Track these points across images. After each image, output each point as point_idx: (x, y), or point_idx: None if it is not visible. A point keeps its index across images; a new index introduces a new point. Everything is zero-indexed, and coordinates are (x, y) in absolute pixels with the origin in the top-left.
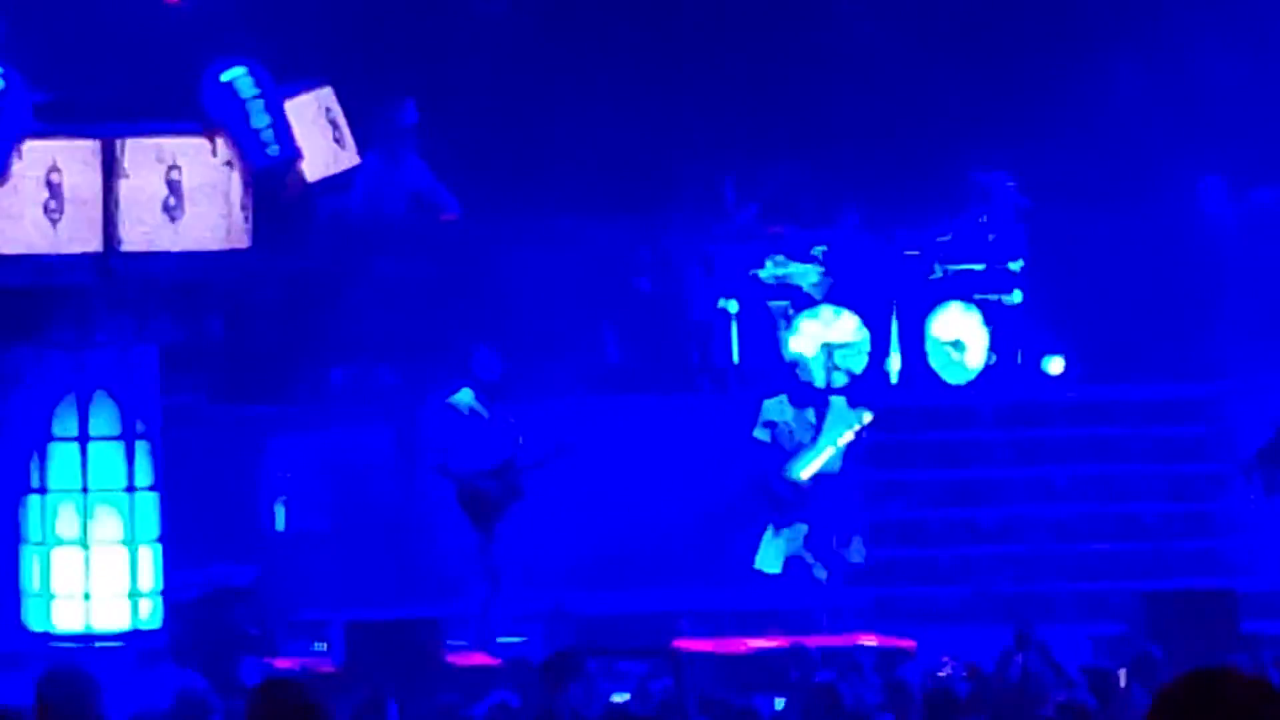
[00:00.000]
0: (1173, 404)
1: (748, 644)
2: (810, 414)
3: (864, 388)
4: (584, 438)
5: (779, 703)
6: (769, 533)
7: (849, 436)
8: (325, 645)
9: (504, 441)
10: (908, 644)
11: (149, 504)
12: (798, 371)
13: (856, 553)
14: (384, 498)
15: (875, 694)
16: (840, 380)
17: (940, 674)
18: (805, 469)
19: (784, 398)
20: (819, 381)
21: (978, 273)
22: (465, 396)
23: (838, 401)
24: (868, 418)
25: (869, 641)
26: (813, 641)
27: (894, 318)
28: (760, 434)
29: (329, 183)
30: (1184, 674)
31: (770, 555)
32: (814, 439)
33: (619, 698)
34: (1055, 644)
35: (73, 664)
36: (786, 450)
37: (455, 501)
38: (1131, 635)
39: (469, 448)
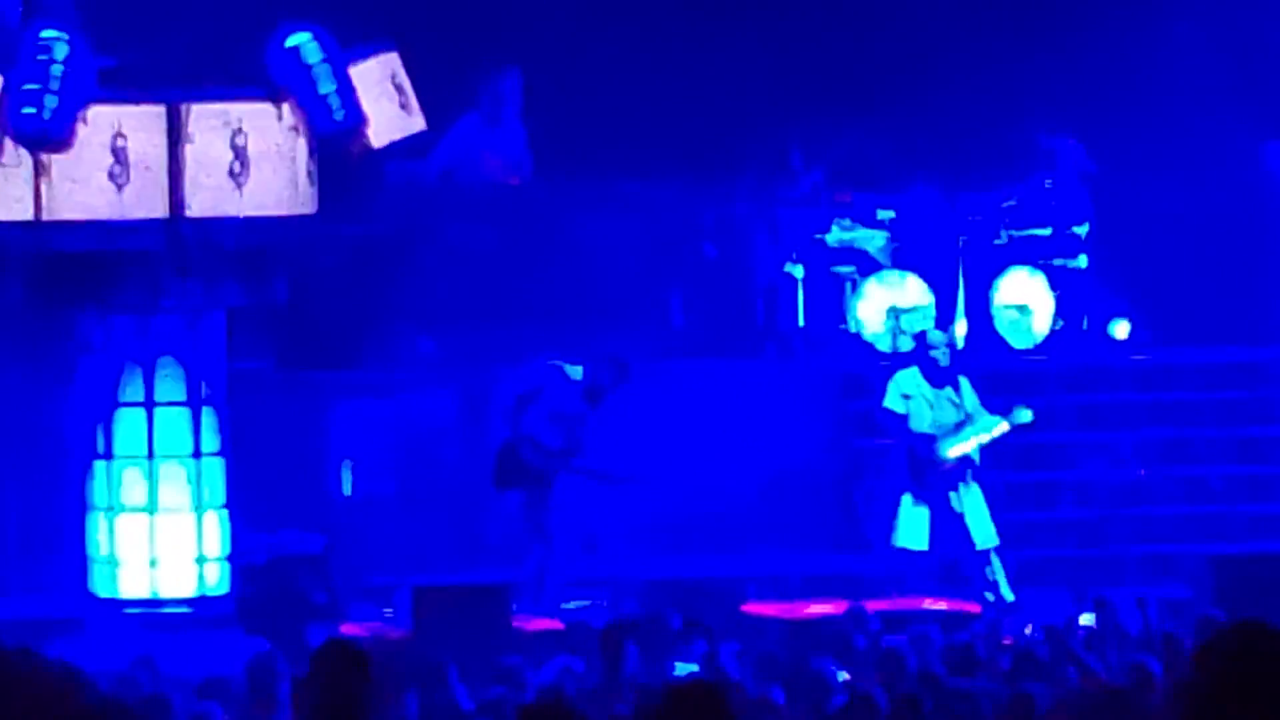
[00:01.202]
0: (1239, 367)
1: (810, 608)
2: (951, 393)
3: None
4: (652, 407)
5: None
6: (907, 502)
7: (1004, 428)
8: (391, 611)
9: (577, 435)
10: (973, 608)
11: (215, 470)
12: (863, 340)
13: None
14: (450, 463)
15: (939, 658)
16: (906, 345)
17: (1017, 638)
18: (954, 448)
19: (916, 370)
20: (884, 347)
21: (1044, 237)
22: (576, 372)
23: (966, 385)
24: (1026, 416)
25: (936, 605)
26: (879, 605)
27: (960, 282)
28: (894, 404)
29: (395, 148)
30: (1226, 627)
31: (912, 529)
32: (964, 420)
33: (685, 668)
34: (1121, 608)
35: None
36: (925, 423)
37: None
38: (1197, 599)
39: (546, 416)
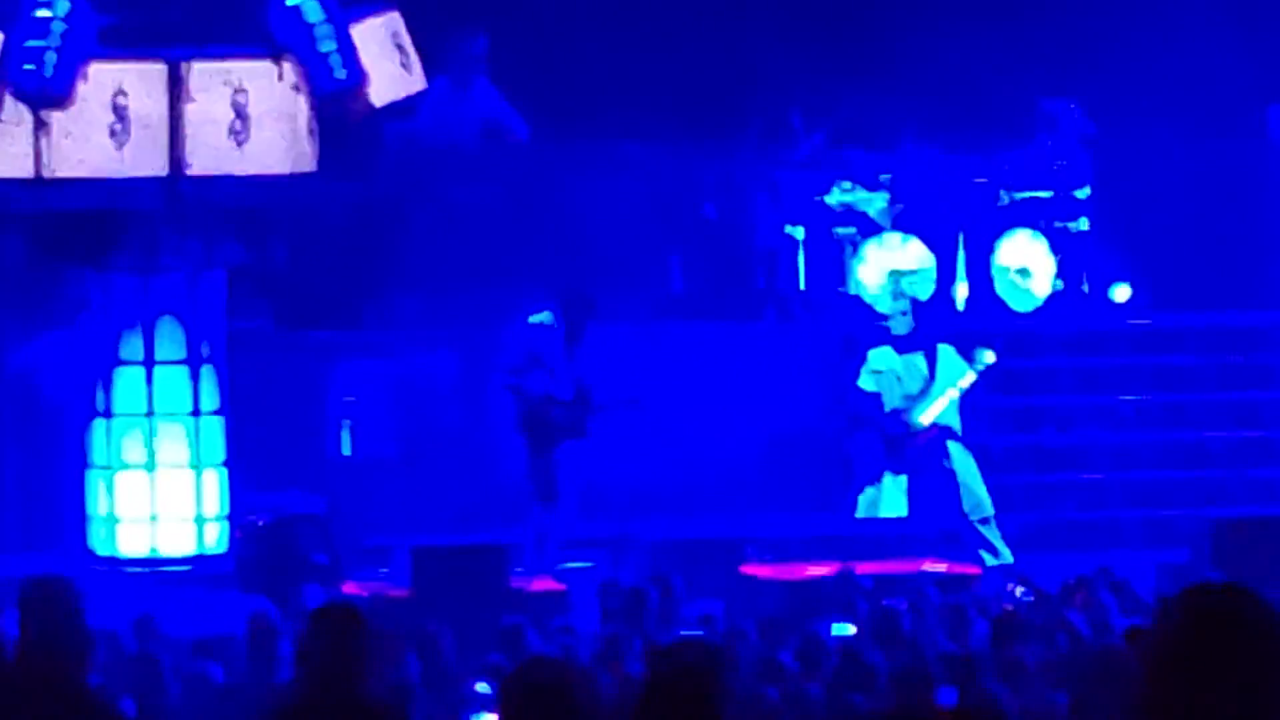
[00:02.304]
0: (1239, 331)
1: (809, 570)
2: (920, 360)
3: (931, 314)
4: (650, 368)
5: (839, 628)
6: (888, 479)
7: (970, 379)
8: (386, 570)
9: (580, 375)
10: (973, 570)
11: (214, 429)
12: (864, 302)
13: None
14: (451, 424)
15: (938, 619)
16: (905, 306)
17: (1009, 601)
18: (924, 414)
19: (889, 348)
20: (884, 309)
21: (1045, 200)
22: (546, 319)
23: (946, 351)
24: (990, 357)
25: (935, 567)
26: (878, 568)
27: (961, 245)
28: (866, 382)
29: (396, 108)
30: (1187, 588)
31: (894, 501)
32: (928, 385)
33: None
34: (1121, 571)
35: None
36: (897, 397)
37: (516, 423)
38: (1197, 563)
39: (545, 372)
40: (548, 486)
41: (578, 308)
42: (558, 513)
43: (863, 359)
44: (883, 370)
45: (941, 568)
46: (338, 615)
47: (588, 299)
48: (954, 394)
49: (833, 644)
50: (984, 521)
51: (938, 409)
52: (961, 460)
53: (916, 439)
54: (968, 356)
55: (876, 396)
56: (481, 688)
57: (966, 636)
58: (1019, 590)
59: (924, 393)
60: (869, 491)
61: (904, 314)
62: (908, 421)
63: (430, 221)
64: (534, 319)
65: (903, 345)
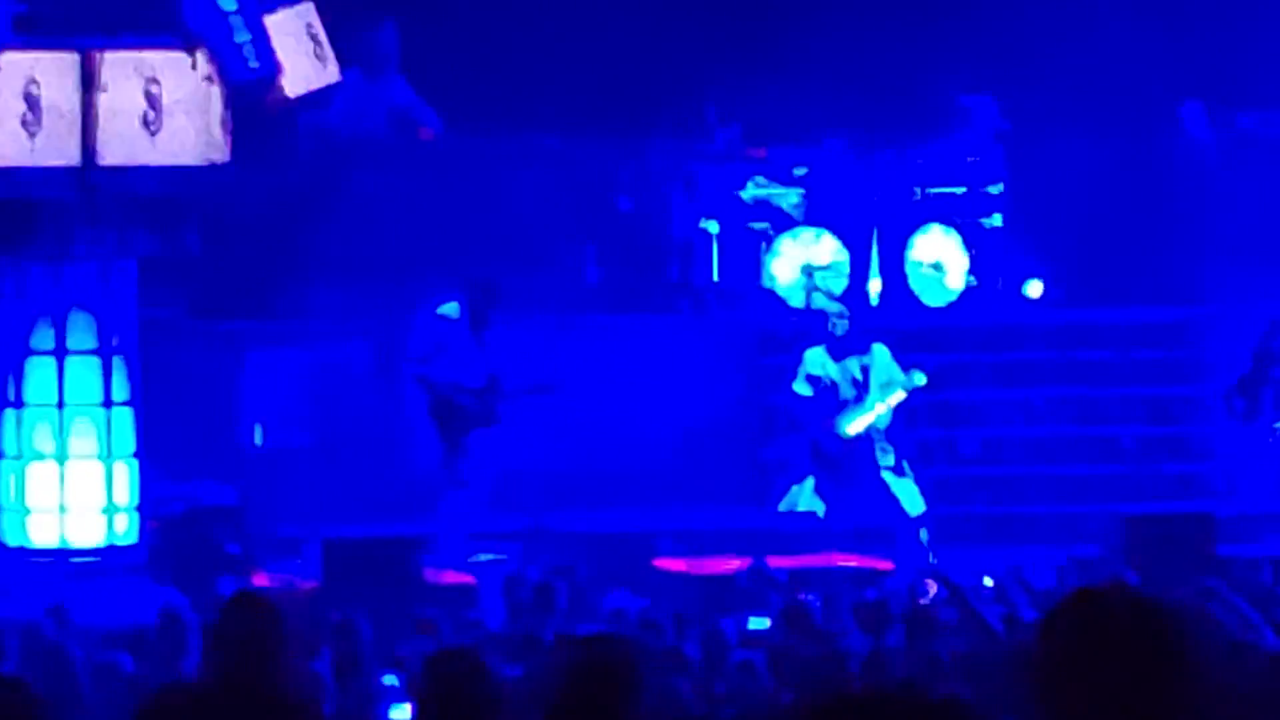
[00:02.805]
0: (1152, 327)
1: (722, 564)
2: (854, 365)
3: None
4: (564, 360)
5: (756, 622)
6: (809, 484)
7: (900, 396)
8: (297, 562)
9: (490, 363)
10: (885, 565)
11: (125, 419)
12: (778, 296)
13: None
14: (364, 414)
15: (849, 614)
16: (820, 302)
17: (923, 597)
18: (852, 424)
19: (822, 349)
20: (797, 303)
21: (958, 196)
22: (452, 309)
23: (881, 352)
24: (920, 379)
25: (847, 562)
26: (790, 562)
27: (874, 240)
28: (801, 388)
29: (309, 99)
30: (1070, 593)
31: (812, 504)
32: (861, 394)
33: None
34: (1033, 566)
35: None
36: (829, 405)
37: (428, 413)
38: (1108, 558)
39: (452, 361)
40: (458, 475)
41: (482, 295)
42: (468, 503)
43: (779, 353)
44: (820, 376)
45: (853, 563)
46: (249, 606)
47: (491, 286)
48: (883, 409)
49: (739, 638)
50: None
51: (867, 421)
52: (898, 483)
53: (846, 446)
54: (892, 347)
55: (811, 402)
56: (390, 680)
57: (881, 631)
58: (933, 586)
59: (857, 400)
60: (793, 490)
61: (842, 316)
62: (837, 430)
63: (343, 212)
64: (440, 310)
65: (837, 349)
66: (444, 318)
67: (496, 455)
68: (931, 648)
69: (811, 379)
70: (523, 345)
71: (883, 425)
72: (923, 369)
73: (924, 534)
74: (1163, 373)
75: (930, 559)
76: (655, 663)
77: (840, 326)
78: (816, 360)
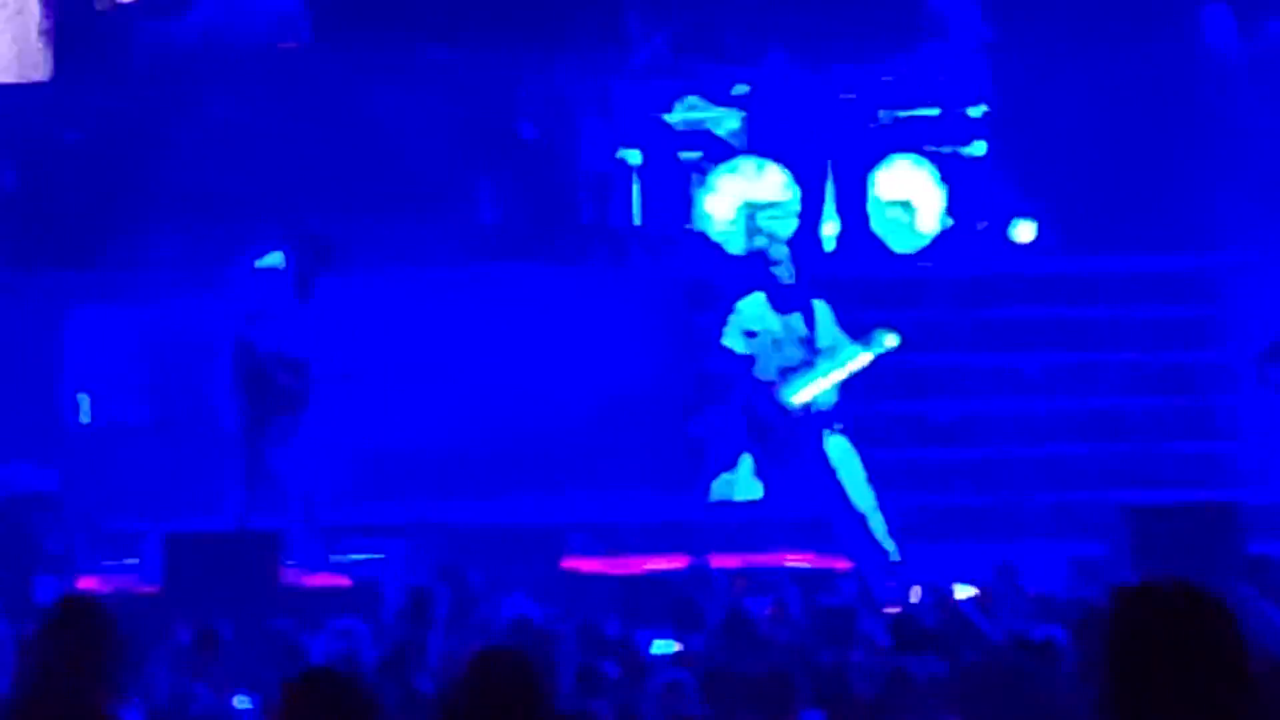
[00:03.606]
0: (1167, 279)
1: (646, 564)
2: (798, 321)
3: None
4: (455, 320)
5: (660, 645)
6: (747, 464)
7: (864, 361)
8: (132, 561)
9: (312, 337)
10: (844, 564)
11: None
12: (712, 241)
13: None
14: (213, 385)
15: (802, 622)
16: (762, 245)
17: (895, 602)
18: (799, 393)
19: (762, 297)
20: (736, 249)
21: (931, 119)
22: (276, 260)
23: (822, 311)
24: (892, 341)
25: (799, 562)
26: (729, 561)
27: (830, 173)
28: (734, 343)
29: (152, 5)
30: (1135, 587)
31: (751, 487)
32: (810, 356)
33: None
34: (1026, 567)
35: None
36: (771, 366)
37: (236, 381)
38: (1114, 557)
39: (273, 325)
40: (261, 464)
41: (311, 253)
42: (305, 492)
43: (713, 309)
44: (757, 331)
45: (805, 562)
46: (74, 614)
47: (322, 243)
48: (840, 375)
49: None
50: (863, 515)
51: (816, 390)
52: (837, 445)
53: (788, 418)
54: (846, 318)
55: (746, 361)
56: (241, 702)
57: (845, 644)
58: (915, 591)
59: (804, 365)
60: (724, 477)
61: (786, 260)
62: (778, 399)
63: (190, 140)
64: (262, 262)
65: (781, 300)
66: (269, 270)
67: (375, 434)
68: (902, 664)
69: (749, 334)
70: (398, 301)
71: (829, 398)
72: (889, 325)
73: (879, 526)
74: (1179, 332)
75: (893, 557)
76: (563, 684)
77: (785, 273)
78: (754, 311)
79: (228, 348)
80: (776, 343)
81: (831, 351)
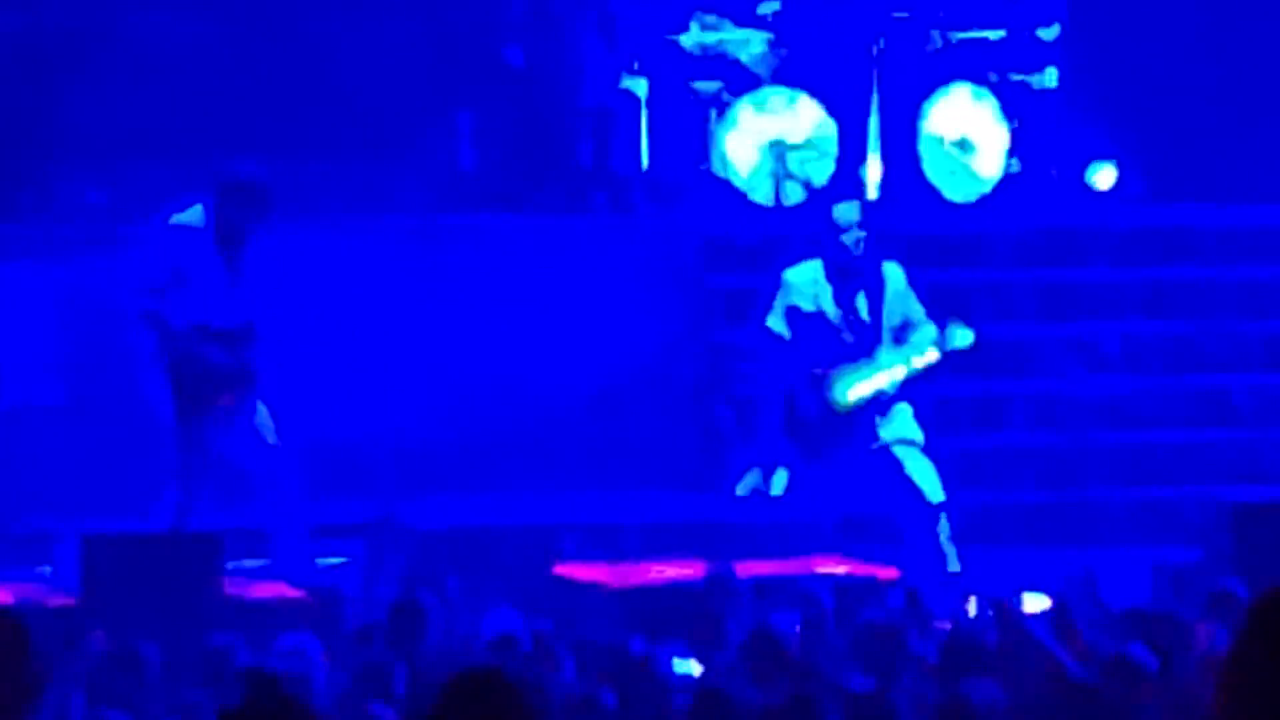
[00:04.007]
0: (1269, 233)
1: (654, 572)
2: (861, 300)
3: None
4: (428, 280)
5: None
6: (782, 475)
7: (930, 358)
8: (45, 569)
9: (247, 297)
10: (888, 572)
11: None
12: (733, 188)
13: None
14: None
15: (839, 639)
16: (795, 196)
17: (948, 618)
18: (854, 388)
19: (818, 267)
20: (761, 197)
21: (995, 43)
22: (195, 216)
23: (894, 276)
24: (966, 338)
25: (833, 569)
26: (749, 569)
27: (874, 107)
28: (777, 324)
29: None
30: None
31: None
32: (864, 341)
33: None
34: (1107, 576)
35: None
36: (818, 352)
37: (161, 369)
38: (1211, 563)
39: (196, 292)
40: (200, 460)
41: (237, 198)
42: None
43: (734, 270)
44: (808, 311)
45: (841, 569)
46: None
47: (251, 185)
48: (900, 374)
49: (681, 681)
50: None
51: (872, 387)
52: (911, 458)
53: (836, 417)
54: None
55: (789, 347)
56: None
57: (889, 665)
58: (972, 603)
59: (860, 350)
60: (755, 474)
61: (855, 222)
62: (829, 396)
63: (115, 68)
64: (178, 218)
65: (839, 271)
66: (182, 230)
67: (332, 420)
68: (961, 691)
69: (793, 313)
70: (366, 255)
71: (891, 391)
72: (942, 292)
73: (945, 529)
74: None
75: (952, 565)
76: (555, 712)
77: (854, 238)
78: (806, 285)
79: (136, 330)
80: (829, 325)
81: (890, 338)
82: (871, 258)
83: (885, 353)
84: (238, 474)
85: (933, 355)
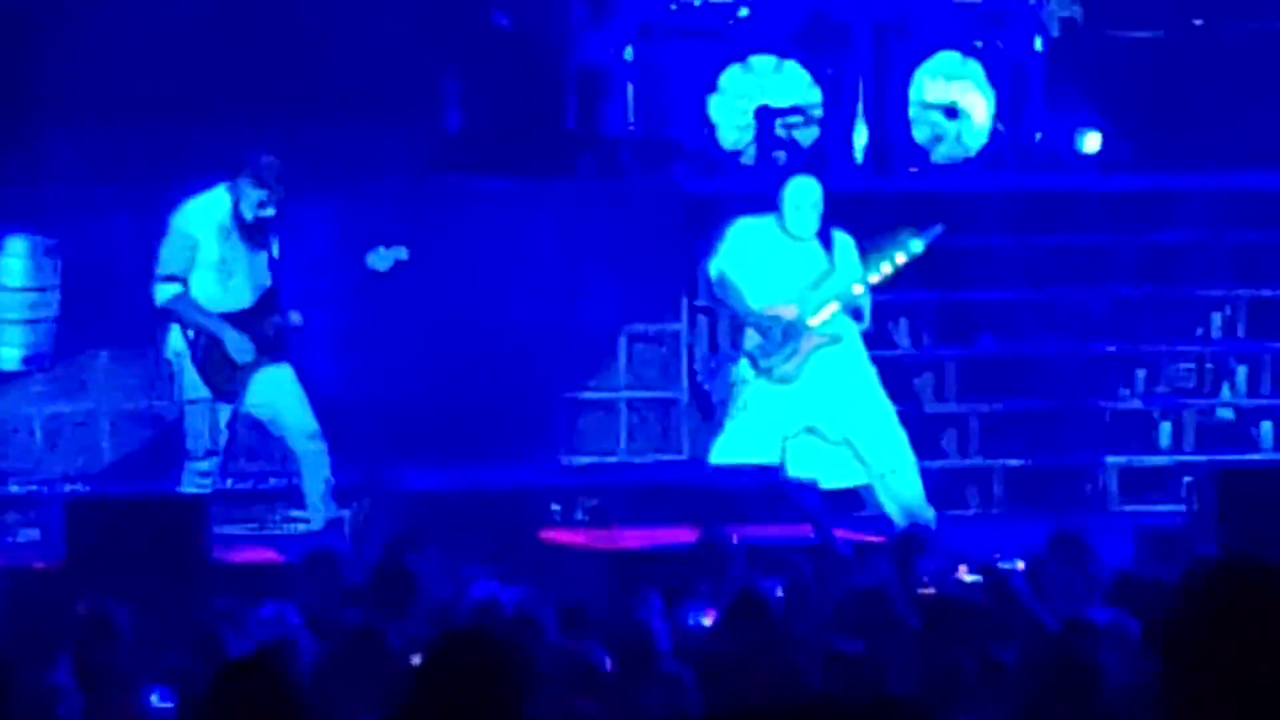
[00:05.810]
0: (1267, 198)
1: (638, 536)
2: (803, 265)
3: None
4: (414, 244)
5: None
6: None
7: (887, 270)
8: (28, 533)
9: (265, 271)
10: (877, 538)
11: None
12: (722, 150)
13: None
14: (131, 319)
15: (828, 606)
16: (781, 159)
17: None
18: (819, 312)
19: (771, 221)
20: (749, 160)
21: (979, 6)
22: (218, 198)
23: (844, 245)
24: (918, 247)
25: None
26: (745, 531)
27: (860, 72)
28: (728, 266)
29: None
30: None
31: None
32: (826, 273)
33: None
34: (1085, 540)
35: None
36: (761, 310)
37: (195, 365)
38: (1195, 529)
39: (220, 277)
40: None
41: (258, 169)
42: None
43: (721, 230)
44: (757, 258)
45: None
46: None
47: (266, 160)
48: (858, 290)
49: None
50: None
51: (831, 309)
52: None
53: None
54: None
55: (734, 295)
56: (157, 701)
57: (873, 629)
58: (963, 569)
59: (822, 281)
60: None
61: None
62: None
63: (102, 29)
64: (198, 202)
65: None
66: (206, 212)
67: (318, 383)
68: (951, 655)
69: (736, 261)
70: (348, 222)
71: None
72: (930, 258)
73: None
74: (1278, 264)
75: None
76: (545, 676)
77: (808, 215)
78: (756, 234)
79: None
80: (775, 284)
81: (845, 265)
82: (825, 226)
83: (836, 275)
84: (266, 436)
85: (899, 259)
